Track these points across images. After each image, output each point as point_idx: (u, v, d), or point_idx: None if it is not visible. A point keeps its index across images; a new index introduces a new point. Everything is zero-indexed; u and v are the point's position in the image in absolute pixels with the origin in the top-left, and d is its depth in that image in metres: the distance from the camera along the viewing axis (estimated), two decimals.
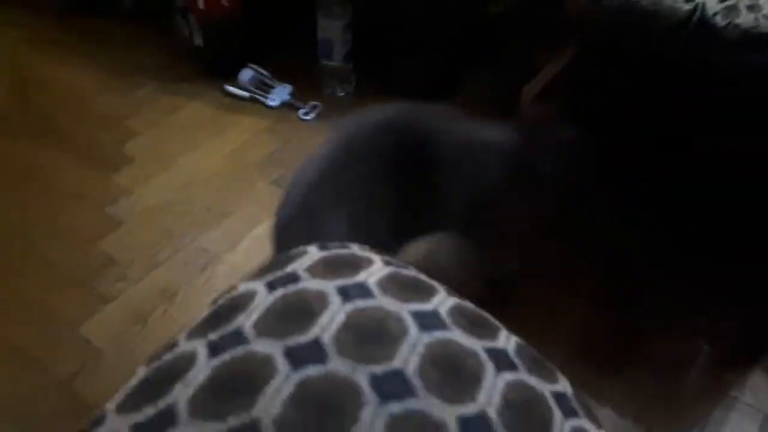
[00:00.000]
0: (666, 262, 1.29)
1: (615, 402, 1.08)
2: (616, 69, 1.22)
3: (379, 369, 0.34)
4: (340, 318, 0.36)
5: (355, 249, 0.41)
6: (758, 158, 1.09)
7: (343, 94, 1.76)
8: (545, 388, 0.41)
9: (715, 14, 0.92)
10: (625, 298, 1.25)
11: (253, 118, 1.69)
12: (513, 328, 1.16)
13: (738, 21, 0.90)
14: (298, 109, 1.70)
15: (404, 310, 0.37)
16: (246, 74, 1.76)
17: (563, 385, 0.46)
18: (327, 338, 0.35)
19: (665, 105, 1.06)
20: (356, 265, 0.39)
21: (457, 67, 1.74)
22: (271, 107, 1.72)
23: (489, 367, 0.37)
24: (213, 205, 1.45)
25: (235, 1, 1.74)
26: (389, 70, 1.74)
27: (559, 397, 0.43)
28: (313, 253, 0.40)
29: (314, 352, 0.35)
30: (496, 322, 0.46)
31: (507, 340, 0.43)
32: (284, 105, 1.72)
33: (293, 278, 0.39)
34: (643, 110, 1.07)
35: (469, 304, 0.44)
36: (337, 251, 0.40)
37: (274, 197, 1.46)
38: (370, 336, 0.36)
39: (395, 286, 0.39)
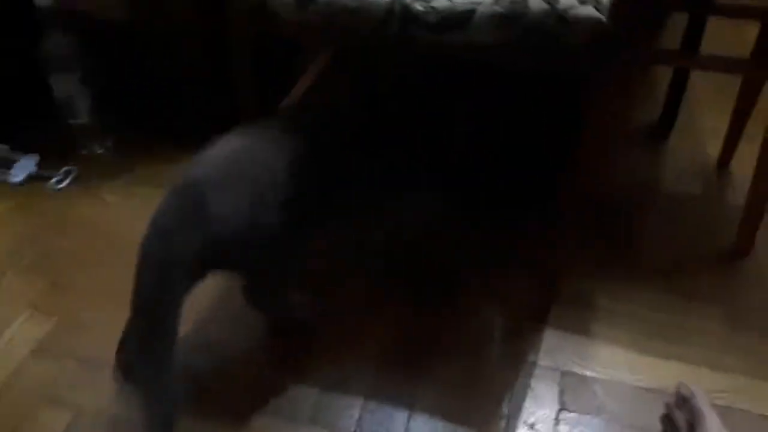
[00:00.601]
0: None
1: (429, 403, 1.05)
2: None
3: None
4: None
5: None
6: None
7: (101, 150, 1.60)
8: None
9: (414, 1, 0.91)
10: (421, 293, 1.24)
11: None
12: (322, 349, 1.14)
13: (435, 3, 0.89)
14: (50, 179, 1.51)
15: None
16: None
17: None
18: None
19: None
20: None
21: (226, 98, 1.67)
22: (15, 184, 1.50)
23: None
24: None
25: None
26: (148, 112, 1.62)
27: None
28: None
29: None
30: None
31: None
32: (31, 178, 1.51)
33: None
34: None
35: None
36: None
37: (29, 286, 1.31)
38: None
39: None
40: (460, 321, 1.18)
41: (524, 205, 1.38)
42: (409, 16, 0.90)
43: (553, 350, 1.13)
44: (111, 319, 1.18)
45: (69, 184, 1.51)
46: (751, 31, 1.38)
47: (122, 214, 1.42)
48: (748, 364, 1.10)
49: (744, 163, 1.41)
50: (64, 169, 1.53)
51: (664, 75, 1.66)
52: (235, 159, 0.96)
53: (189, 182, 0.94)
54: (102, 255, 1.32)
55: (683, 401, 0.96)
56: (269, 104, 1.21)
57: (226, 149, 0.99)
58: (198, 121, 1.62)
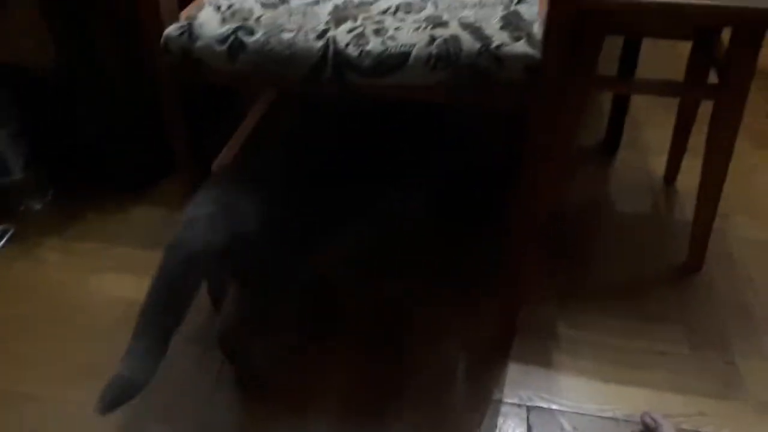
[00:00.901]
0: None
1: None
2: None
3: None
4: None
5: None
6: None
7: (39, 206, 1.54)
8: None
9: (347, 45, 0.90)
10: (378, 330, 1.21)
11: None
12: (274, 401, 1.08)
13: (368, 48, 0.87)
14: None
15: None
16: None
17: None
18: None
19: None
20: None
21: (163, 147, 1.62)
22: None
23: None
24: None
25: None
26: (86, 164, 1.56)
27: None
28: None
29: None
30: None
31: None
32: None
33: None
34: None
35: None
36: None
37: None
38: None
39: None
40: (420, 361, 1.15)
41: (472, 226, 1.37)
42: (342, 61, 0.88)
43: (518, 385, 1.11)
44: (55, 392, 1.12)
45: (6, 244, 1.44)
46: (685, 47, 1.41)
47: (64, 275, 1.35)
48: (710, 385, 1.10)
49: (690, 178, 1.43)
50: (0, 228, 1.46)
51: (606, 94, 1.69)
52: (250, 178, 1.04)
53: (223, 185, 1.01)
54: (43, 321, 1.25)
55: (649, 431, 0.96)
56: (208, 151, 1.18)
57: (242, 171, 1.08)
58: (137, 170, 1.58)
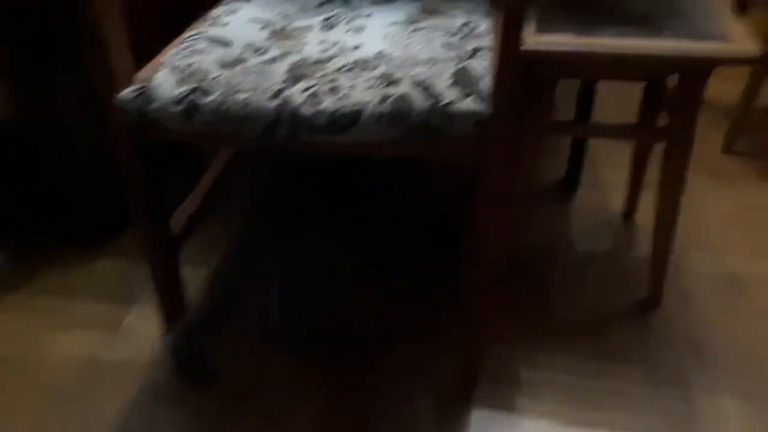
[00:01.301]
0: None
1: None
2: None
3: None
4: None
5: None
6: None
7: None
8: None
9: (301, 104, 0.91)
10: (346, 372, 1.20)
11: None
12: None
13: (322, 107, 0.89)
14: None
15: None
16: None
17: None
18: None
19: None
20: None
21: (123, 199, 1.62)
22: None
23: None
24: None
25: None
26: (47, 217, 1.55)
27: None
28: None
29: None
30: None
31: None
32: None
33: None
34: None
35: None
36: None
37: None
38: None
39: None
40: (383, 410, 1.15)
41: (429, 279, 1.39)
42: (297, 119, 0.89)
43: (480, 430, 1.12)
44: None
45: None
46: (641, 84, 1.44)
47: (25, 335, 1.32)
48: (671, 423, 1.11)
49: (648, 213, 1.47)
50: None
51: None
52: None
53: None
54: (4, 385, 1.23)
55: None
56: (168, 203, 1.18)
57: None
58: (97, 223, 1.57)
